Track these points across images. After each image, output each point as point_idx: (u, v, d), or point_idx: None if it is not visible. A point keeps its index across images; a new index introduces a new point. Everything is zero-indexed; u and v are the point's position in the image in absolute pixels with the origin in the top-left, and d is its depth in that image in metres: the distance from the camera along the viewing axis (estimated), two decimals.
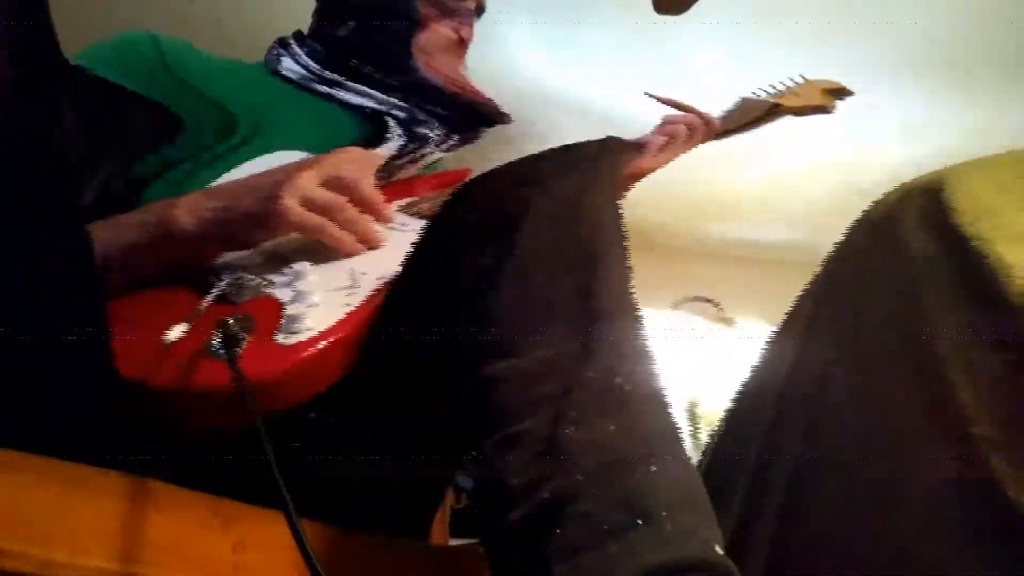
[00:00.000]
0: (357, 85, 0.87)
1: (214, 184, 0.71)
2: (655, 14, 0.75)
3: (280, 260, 0.66)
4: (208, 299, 0.58)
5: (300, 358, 0.54)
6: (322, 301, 0.59)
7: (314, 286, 0.60)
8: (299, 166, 0.66)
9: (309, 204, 0.64)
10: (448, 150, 0.92)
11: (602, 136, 0.61)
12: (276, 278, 0.63)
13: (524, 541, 0.41)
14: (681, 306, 2.91)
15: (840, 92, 1.09)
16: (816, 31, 2.00)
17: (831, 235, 0.60)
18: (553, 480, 0.41)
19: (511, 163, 0.55)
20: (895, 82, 2.16)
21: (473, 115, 0.92)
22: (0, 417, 0.45)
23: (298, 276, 0.62)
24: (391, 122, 0.85)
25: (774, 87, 1.08)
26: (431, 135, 0.87)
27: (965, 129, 2.26)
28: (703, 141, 0.97)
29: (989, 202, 0.48)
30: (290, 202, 0.62)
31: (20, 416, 0.46)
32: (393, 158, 0.85)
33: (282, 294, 0.61)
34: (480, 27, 0.98)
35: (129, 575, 0.45)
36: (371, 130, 0.85)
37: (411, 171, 0.92)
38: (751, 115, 1.01)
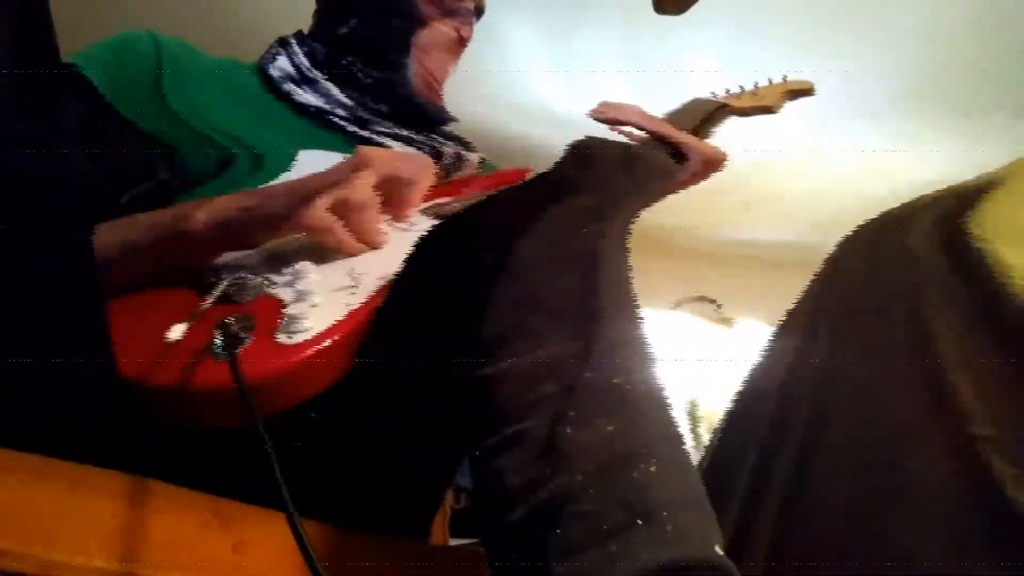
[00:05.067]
0: (328, 84, 0.85)
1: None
2: (655, 14, 0.75)
3: (281, 260, 0.66)
4: (209, 299, 0.58)
5: (301, 358, 0.54)
6: (323, 301, 0.59)
7: (315, 286, 0.60)
8: (342, 172, 0.65)
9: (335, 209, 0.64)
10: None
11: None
12: (277, 278, 0.63)
13: (524, 541, 0.41)
14: (681, 306, 2.91)
15: (801, 93, 1.09)
16: (818, 35, 2.00)
17: (831, 235, 0.60)
18: (552, 480, 0.41)
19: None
20: (896, 88, 2.16)
21: (419, 117, 0.90)
22: (0, 417, 0.45)
23: (299, 276, 0.61)
24: (337, 121, 0.83)
25: (728, 89, 1.08)
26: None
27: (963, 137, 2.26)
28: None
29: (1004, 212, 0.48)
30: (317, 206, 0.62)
31: (20, 416, 0.46)
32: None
33: (283, 294, 0.60)
34: (480, 28, 0.98)
35: (129, 575, 0.45)
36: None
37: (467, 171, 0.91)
38: (696, 117, 0.97)
